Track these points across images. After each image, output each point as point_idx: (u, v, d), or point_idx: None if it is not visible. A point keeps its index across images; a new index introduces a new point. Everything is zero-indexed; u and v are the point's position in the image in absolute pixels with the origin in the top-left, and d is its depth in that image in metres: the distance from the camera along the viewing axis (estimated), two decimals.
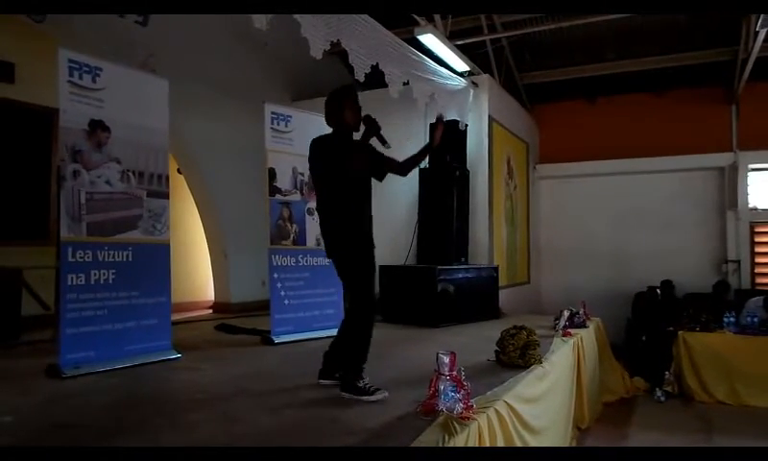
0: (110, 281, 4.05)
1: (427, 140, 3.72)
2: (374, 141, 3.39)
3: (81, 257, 3.91)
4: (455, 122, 6.99)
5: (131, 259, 4.20)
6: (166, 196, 4.53)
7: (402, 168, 3.65)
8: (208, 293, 8.49)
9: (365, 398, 3.07)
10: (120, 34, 5.67)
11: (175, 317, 4.86)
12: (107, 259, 4.06)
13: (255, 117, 5.70)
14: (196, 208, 8.02)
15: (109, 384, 3.56)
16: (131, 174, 4.27)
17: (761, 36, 6.38)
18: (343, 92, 3.48)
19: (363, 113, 3.44)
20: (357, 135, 3.44)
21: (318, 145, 3.40)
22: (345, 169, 3.26)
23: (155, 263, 4.38)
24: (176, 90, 4.69)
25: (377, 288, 6.74)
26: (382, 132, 3.37)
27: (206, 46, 7.07)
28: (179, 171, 7.66)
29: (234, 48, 7.53)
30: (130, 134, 4.26)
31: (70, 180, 3.92)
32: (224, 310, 7.63)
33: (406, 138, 6.25)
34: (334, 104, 3.45)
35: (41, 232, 5.97)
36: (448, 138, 6.90)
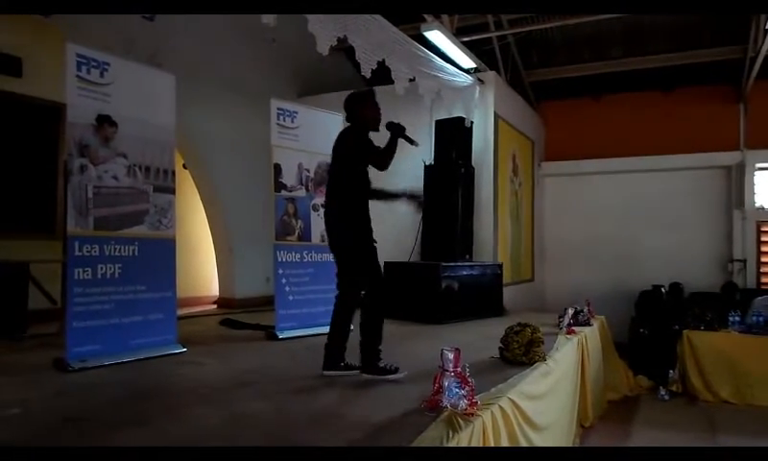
0: (117, 276, 4.07)
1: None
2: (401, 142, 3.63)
3: (87, 252, 3.93)
4: (461, 119, 6.98)
5: (137, 254, 4.21)
6: (172, 191, 4.54)
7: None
8: (213, 288, 8.52)
9: (389, 377, 3.34)
10: (127, 29, 5.69)
11: (180, 312, 4.88)
12: (113, 254, 4.07)
13: (261, 113, 5.70)
14: (201, 204, 8.05)
15: (116, 378, 3.58)
16: (137, 169, 4.28)
17: None
18: (363, 93, 3.76)
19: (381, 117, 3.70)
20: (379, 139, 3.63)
21: (338, 139, 3.65)
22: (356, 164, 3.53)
23: (160, 258, 4.40)
24: (182, 86, 4.70)
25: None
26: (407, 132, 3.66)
27: (213, 41, 7.07)
28: (184, 166, 7.67)
29: (241, 43, 7.53)
30: (136, 130, 4.26)
31: (77, 174, 3.93)
32: (228, 305, 7.66)
33: (411, 135, 6.24)
34: (354, 103, 3.68)
35: (48, 226, 5.99)
36: (454, 135, 6.96)
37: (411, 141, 3.70)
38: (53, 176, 6.02)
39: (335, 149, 3.64)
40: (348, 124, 3.69)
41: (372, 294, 3.52)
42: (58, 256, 5.15)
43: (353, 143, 3.56)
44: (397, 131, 3.62)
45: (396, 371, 3.40)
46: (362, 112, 3.65)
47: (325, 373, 3.56)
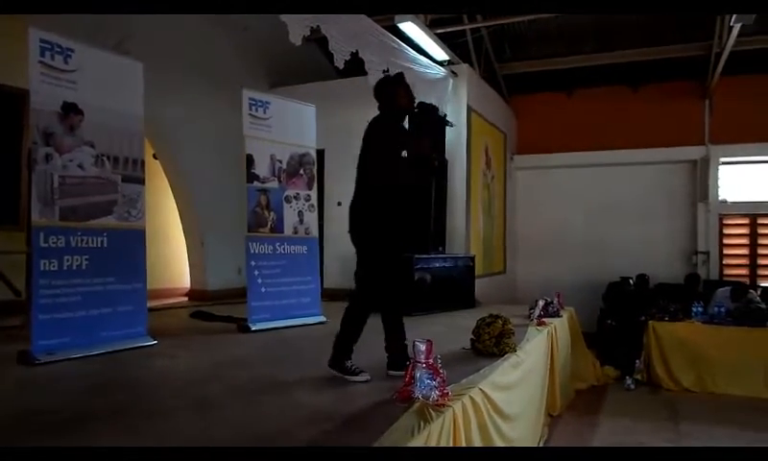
0: (84, 267, 3.99)
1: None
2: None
3: (53, 243, 3.84)
4: (434, 108, 6.99)
5: (105, 245, 4.14)
6: (141, 181, 4.47)
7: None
8: (184, 280, 8.40)
9: (349, 377, 3.18)
10: (93, 14, 5.54)
11: (150, 304, 4.81)
12: (80, 245, 3.99)
13: (233, 103, 5.63)
14: (172, 194, 7.92)
15: (84, 371, 3.52)
16: (105, 158, 4.20)
17: (736, 31, 6.50)
18: (393, 78, 3.56)
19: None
20: None
21: (368, 127, 3.36)
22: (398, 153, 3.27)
23: (130, 249, 4.33)
24: (151, 74, 4.61)
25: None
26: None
27: (183, 29, 6.94)
28: (154, 156, 7.54)
29: (212, 31, 7.40)
30: (103, 118, 4.18)
31: (42, 163, 3.83)
32: (200, 297, 7.57)
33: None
34: (384, 89, 3.46)
35: (11, 217, 5.82)
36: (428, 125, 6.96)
37: (447, 124, 3.54)
38: (17, 164, 5.84)
39: (365, 138, 3.34)
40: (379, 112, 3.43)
41: (359, 292, 3.33)
42: (22, 247, 5.02)
43: (383, 133, 3.29)
44: (430, 113, 3.43)
45: (359, 373, 3.20)
46: (393, 99, 3.39)
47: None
